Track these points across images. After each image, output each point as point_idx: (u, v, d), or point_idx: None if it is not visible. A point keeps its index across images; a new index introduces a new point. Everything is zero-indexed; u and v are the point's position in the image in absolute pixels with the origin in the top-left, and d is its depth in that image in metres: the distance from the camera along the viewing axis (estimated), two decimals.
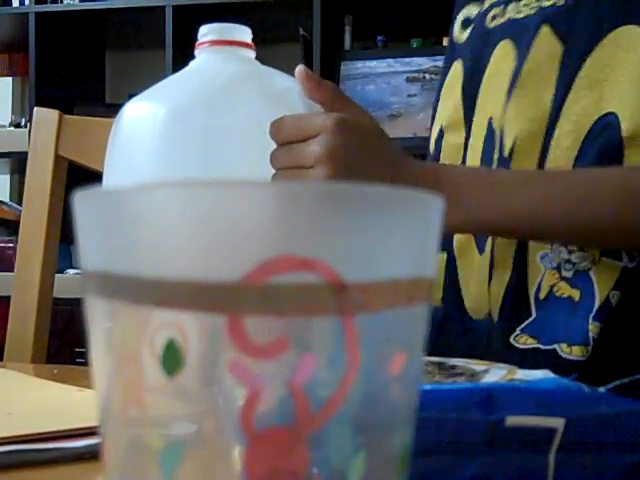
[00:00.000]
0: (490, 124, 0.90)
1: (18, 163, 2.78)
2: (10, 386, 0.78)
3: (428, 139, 1.03)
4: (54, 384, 0.76)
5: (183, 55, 2.53)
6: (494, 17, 0.94)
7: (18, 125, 2.81)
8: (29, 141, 1.19)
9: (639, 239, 0.78)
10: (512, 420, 0.42)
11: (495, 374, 0.53)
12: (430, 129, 1.03)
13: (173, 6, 2.58)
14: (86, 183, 0.31)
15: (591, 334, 0.80)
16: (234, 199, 0.27)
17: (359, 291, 0.27)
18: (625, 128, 0.79)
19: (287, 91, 0.79)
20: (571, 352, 0.81)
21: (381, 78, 2.61)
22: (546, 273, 0.84)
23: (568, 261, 0.83)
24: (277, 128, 0.74)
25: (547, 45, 0.86)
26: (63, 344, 2.49)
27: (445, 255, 0.93)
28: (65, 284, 1.83)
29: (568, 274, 0.83)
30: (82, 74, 2.93)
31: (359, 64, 2.63)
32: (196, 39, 0.85)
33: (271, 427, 0.27)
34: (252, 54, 0.84)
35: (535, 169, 0.83)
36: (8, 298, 1.13)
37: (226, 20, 0.88)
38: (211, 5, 2.61)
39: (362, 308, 0.27)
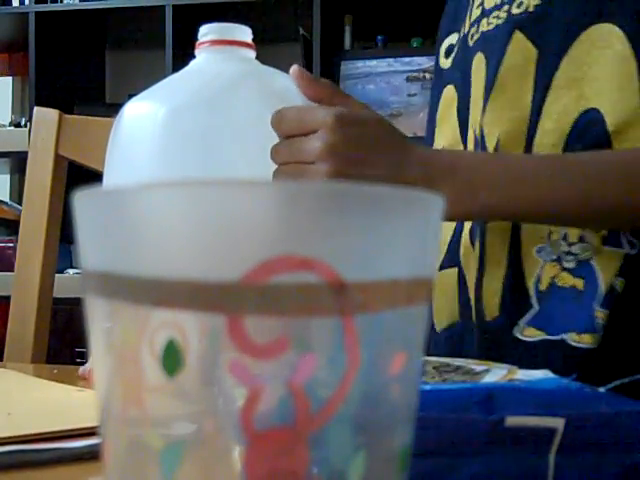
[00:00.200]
0: (474, 133, 0.92)
1: (18, 163, 2.78)
2: (10, 386, 0.78)
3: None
4: (54, 384, 0.75)
5: (183, 55, 2.53)
6: (472, 36, 0.96)
7: (18, 125, 2.81)
8: (29, 141, 1.19)
9: None
10: (512, 420, 0.42)
11: (495, 374, 0.53)
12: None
13: (173, 6, 2.58)
14: (86, 183, 0.31)
15: (600, 321, 0.81)
16: (234, 199, 0.27)
17: (359, 291, 0.27)
18: (610, 122, 0.80)
19: (287, 91, 0.79)
20: (581, 340, 0.81)
21: (381, 78, 2.61)
22: (545, 265, 0.84)
23: (569, 253, 0.83)
24: (278, 120, 0.74)
25: (521, 49, 0.87)
26: (63, 344, 2.49)
27: (456, 270, 0.93)
28: (65, 284, 1.83)
29: (570, 265, 0.83)
30: (82, 74, 2.93)
31: (359, 64, 2.63)
32: (196, 39, 0.85)
33: (271, 427, 0.27)
34: (252, 54, 0.84)
35: (547, 153, 0.83)
36: (8, 298, 1.13)
37: (226, 20, 0.87)
38: (211, 5, 2.61)
39: (362, 308, 0.27)
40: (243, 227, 0.27)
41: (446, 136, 0.99)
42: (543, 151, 0.83)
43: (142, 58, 2.99)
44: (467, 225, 0.93)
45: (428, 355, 0.61)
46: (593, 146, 0.81)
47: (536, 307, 0.84)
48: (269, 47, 2.43)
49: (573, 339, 0.82)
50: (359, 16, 2.70)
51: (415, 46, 2.67)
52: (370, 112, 0.79)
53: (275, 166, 0.75)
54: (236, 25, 0.84)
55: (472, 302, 0.90)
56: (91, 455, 0.52)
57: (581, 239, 0.83)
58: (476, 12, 0.97)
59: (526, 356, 0.82)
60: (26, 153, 1.19)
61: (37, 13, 2.69)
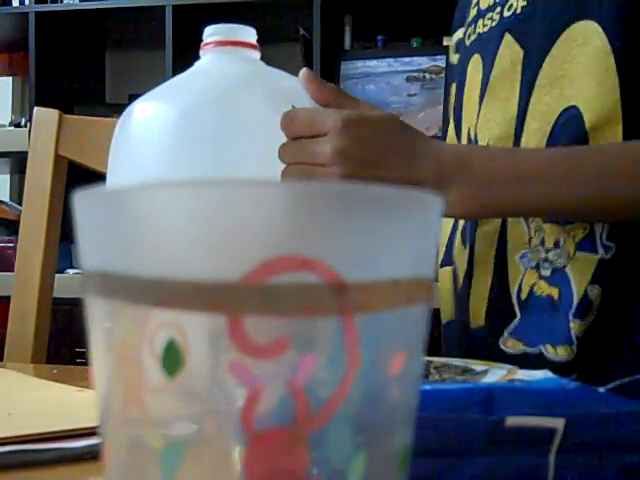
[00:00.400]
0: (469, 135, 0.92)
1: (18, 163, 2.78)
2: (10, 386, 0.78)
3: None
4: (54, 384, 0.75)
5: (183, 55, 2.53)
6: (469, 36, 0.97)
7: (18, 125, 2.81)
8: (29, 141, 1.19)
9: None
10: (512, 420, 0.42)
11: (495, 374, 0.53)
12: None
13: (173, 6, 2.58)
14: (86, 183, 0.31)
15: (574, 332, 0.80)
16: (234, 199, 0.27)
17: (359, 291, 0.27)
18: (587, 119, 0.80)
19: (294, 92, 0.79)
20: (556, 353, 0.80)
21: (381, 78, 2.61)
22: (526, 273, 0.83)
23: (546, 259, 0.83)
24: (289, 121, 0.74)
25: (510, 52, 0.88)
26: (63, 344, 2.48)
27: (450, 269, 0.93)
28: (65, 284, 1.83)
29: (546, 273, 0.82)
30: (82, 74, 2.93)
31: (359, 64, 2.63)
32: (196, 39, 0.85)
33: (271, 427, 0.27)
34: (257, 55, 0.84)
35: (557, 147, 0.82)
36: (8, 298, 1.13)
37: (226, 20, 0.88)
38: (211, 5, 2.61)
39: (362, 308, 0.27)
40: (243, 227, 0.27)
41: (450, 135, 1.00)
42: None
43: (142, 58, 2.98)
44: (460, 224, 0.93)
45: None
46: (572, 144, 0.81)
47: (518, 317, 0.84)
48: (269, 47, 2.43)
49: (549, 351, 0.81)
50: (359, 16, 2.70)
51: (415, 46, 2.67)
52: (380, 112, 0.78)
53: (283, 166, 0.75)
54: (241, 26, 0.84)
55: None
56: (91, 455, 0.52)
57: (556, 244, 0.82)
58: (473, 12, 0.97)
59: None
60: (26, 153, 1.19)
61: (37, 13, 2.69)
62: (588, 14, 0.83)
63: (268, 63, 0.85)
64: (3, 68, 3.08)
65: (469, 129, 0.92)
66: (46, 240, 1.13)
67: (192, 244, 0.27)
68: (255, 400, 0.26)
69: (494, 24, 0.91)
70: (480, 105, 0.90)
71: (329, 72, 2.57)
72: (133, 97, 0.84)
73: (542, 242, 0.82)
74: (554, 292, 0.82)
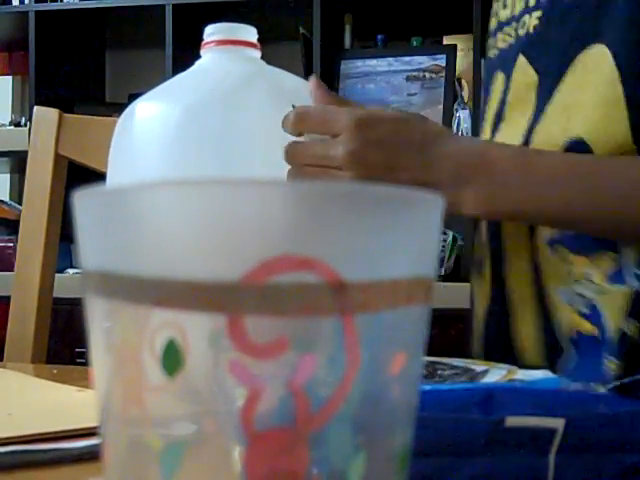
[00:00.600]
0: None
1: (18, 162, 2.78)
2: (10, 386, 0.78)
3: None
4: (54, 384, 0.75)
5: (183, 55, 2.52)
6: (491, 48, 0.94)
7: (18, 124, 2.81)
8: (29, 140, 1.19)
9: None
10: (512, 420, 0.42)
11: (495, 374, 0.53)
12: None
13: (173, 6, 2.58)
14: (86, 182, 0.31)
15: (611, 372, 0.74)
16: (234, 198, 0.27)
17: (359, 291, 0.27)
18: (595, 154, 0.76)
19: (296, 91, 0.79)
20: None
21: (381, 77, 2.61)
22: (566, 309, 0.79)
23: (579, 294, 0.78)
24: (300, 119, 0.72)
25: (523, 75, 0.84)
26: (63, 344, 2.48)
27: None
28: (65, 283, 1.83)
29: (582, 308, 0.78)
30: (82, 73, 2.93)
31: (359, 63, 2.63)
32: (196, 39, 0.85)
33: (271, 427, 0.27)
34: (258, 54, 0.84)
35: (580, 155, 0.75)
36: (8, 298, 1.13)
37: (226, 19, 0.88)
38: (211, 4, 2.61)
39: (362, 308, 0.27)
40: (243, 227, 0.27)
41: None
42: None
43: (142, 58, 2.98)
44: (487, 264, 0.88)
45: None
46: None
47: (565, 354, 0.79)
48: (270, 46, 2.43)
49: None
50: (359, 16, 2.70)
51: (415, 45, 2.67)
52: (393, 112, 0.75)
53: (287, 166, 0.73)
54: (241, 25, 0.84)
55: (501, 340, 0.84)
56: (91, 455, 0.52)
57: (586, 277, 0.77)
58: (493, 22, 0.93)
59: None
60: (26, 152, 1.19)
61: (37, 12, 2.69)
62: (600, 37, 0.77)
63: (268, 62, 0.85)
64: (3, 67, 3.08)
65: None
66: (46, 240, 1.13)
67: (192, 244, 0.27)
68: (255, 400, 0.26)
69: (512, 41, 0.87)
70: (494, 129, 0.87)
71: (329, 71, 2.57)
72: (133, 97, 0.84)
73: (573, 274, 0.78)
74: (589, 328, 0.77)
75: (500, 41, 0.90)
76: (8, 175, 3.07)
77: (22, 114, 2.89)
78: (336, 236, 0.27)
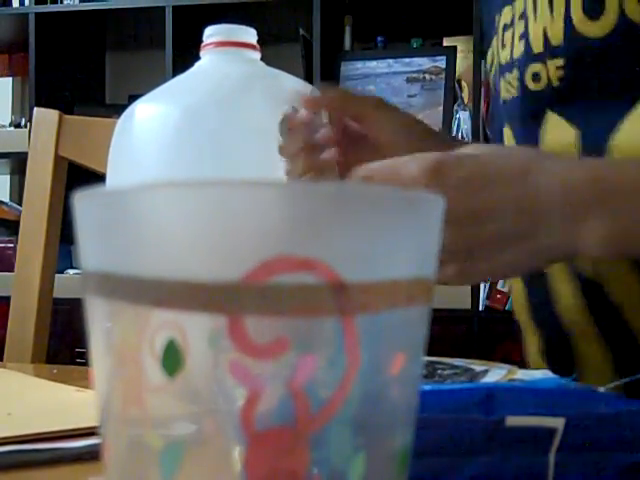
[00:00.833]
0: None
1: (18, 163, 2.78)
2: (10, 386, 0.78)
3: None
4: (54, 384, 0.75)
5: (183, 55, 2.53)
6: (495, 89, 0.83)
7: (18, 125, 2.81)
8: (29, 141, 1.19)
9: None
10: (512, 420, 0.42)
11: (495, 374, 0.53)
12: None
13: (173, 6, 2.58)
14: (86, 183, 0.31)
15: None
16: (234, 199, 0.27)
17: (359, 291, 0.27)
18: None
19: (295, 92, 0.79)
20: None
21: (381, 78, 2.61)
22: None
23: None
24: (368, 177, 0.60)
25: (560, 135, 0.73)
26: (63, 344, 2.48)
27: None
28: (65, 284, 1.83)
29: None
30: (82, 74, 2.93)
31: (359, 64, 2.63)
32: (196, 39, 0.85)
33: (271, 427, 0.27)
34: (257, 55, 0.84)
35: None
36: (8, 298, 1.13)
37: (226, 20, 0.88)
38: (211, 5, 2.61)
39: (362, 308, 0.27)
40: (243, 227, 0.27)
41: None
42: None
43: (142, 58, 2.98)
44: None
45: None
46: None
47: None
48: (269, 47, 2.43)
49: None
50: (359, 16, 2.70)
51: (415, 47, 2.67)
52: (472, 150, 0.62)
53: (284, 167, 0.72)
54: (241, 26, 0.84)
55: None
56: (91, 455, 0.52)
57: None
58: (493, 60, 0.82)
59: None
60: (26, 154, 1.19)
61: (37, 14, 2.69)
62: None
63: (268, 63, 0.85)
64: (3, 68, 3.08)
65: None
66: (46, 240, 1.13)
67: (192, 244, 0.27)
68: (255, 400, 0.26)
69: (516, 93, 0.76)
70: None
71: (329, 73, 2.57)
72: (133, 97, 0.84)
73: None
74: None
75: (503, 90, 0.79)
76: (8, 176, 3.07)
77: (22, 115, 2.89)
78: (336, 237, 0.27)
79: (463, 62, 2.58)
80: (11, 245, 2.65)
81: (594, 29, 0.69)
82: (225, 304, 0.26)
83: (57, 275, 1.17)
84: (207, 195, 0.27)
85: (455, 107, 2.48)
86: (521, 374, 0.54)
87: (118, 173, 0.82)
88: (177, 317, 0.27)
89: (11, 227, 2.73)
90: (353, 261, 0.28)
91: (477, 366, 0.57)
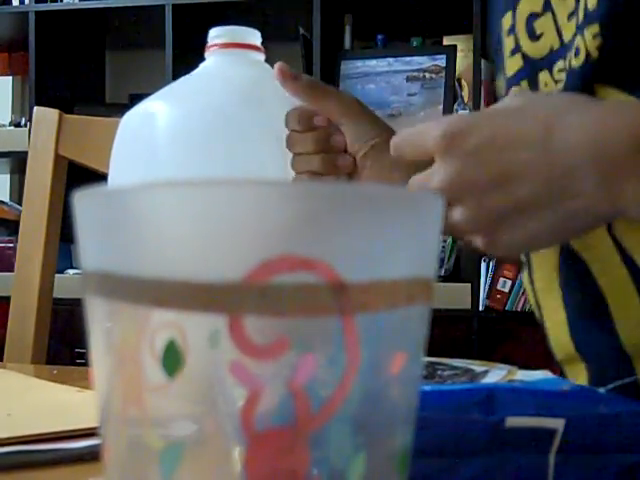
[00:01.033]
0: None
1: (18, 163, 2.78)
2: (10, 387, 0.78)
3: None
4: (54, 385, 0.75)
5: (183, 55, 2.52)
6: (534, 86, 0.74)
7: (18, 125, 2.80)
8: (29, 141, 1.19)
9: None
10: (512, 421, 0.42)
11: (495, 375, 0.53)
12: None
13: (173, 6, 2.58)
14: (86, 183, 0.31)
15: None
16: (235, 199, 0.27)
17: (359, 291, 0.27)
18: None
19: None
20: None
21: (381, 77, 2.61)
22: None
23: None
24: (396, 148, 0.59)
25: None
26: (63, 344, 2.48)
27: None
28: (65, 284, 1.83)
29: None
30: (82, 73, 2.93)
31: (359, 63, 2.63)
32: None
33: (271, 427, 0.27)
34: (261, 57, 0.85)
35: None
36: (8, 298, 1.13)
37: (226, 20, 0.88)
38: (211, 5, 2.61)
39: (362, 308, 0.27)
40: (244, 227, 0.27)
41: None
42: None
43: (142, 58, 2.98)
44: None
45: None
46: None
47: None
48: (269, 47, 2.43)
49: None
50: (359, 16, 2.70)
51: (415, 45, 2.67)
52: (482, 114, 0.59)
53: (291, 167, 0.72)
54: (246, 28, 0.84)
55: None
56: (91, 455, 0.52)
57: None
58: (514, 61, 0.73)
59: None
60: (26, 153, 1.19)
61: (37, 13, 2.69)
62: None
63: (268, 63, 0.85)
64: (3, 68, 3.08)
65: None
66: (46, 240, 1.13)
67: (192, 244, 0.27)
68: (255, 400, 0.26)
69: (564, 77, 0.69)
70: None
71: (329, 72, 2.57)
72: (133, 97, 0.84)
73: None
74: None
75: (543, 84, 0.70)
76: (8, 175, 3.07)
77: (22, 114, 2.88)
78: (336, 237, 0.27)
79: (463, 61, 2.57)
80: (11, 245, 2.65)
81: None
82: (225, 304, 0.26)
83: (57, 275, 1.17)
84: (207, 195, 0.27)
85: (455, 106, 2.48)
86: (521, 375, 0.53)
87: (121, 173, 0.82)
88: (177, 317, 0.27)
89: (11, 227, 2.73)
90: (353, 261, 0.28)
91: (477, 367, 0.57)
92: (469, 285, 2.35)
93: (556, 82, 0.68)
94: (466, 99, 2.49)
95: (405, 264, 0.29)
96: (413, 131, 0.57)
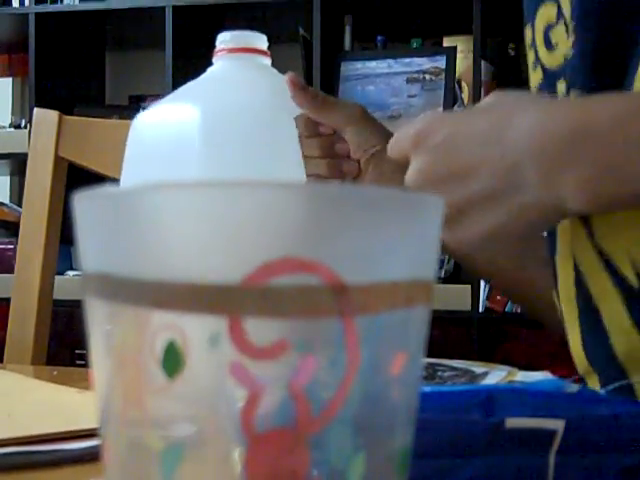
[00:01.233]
0: None
1: (18, 164, 2.78)
2: (10, 388, 0.78)
3: None
4: (54, 386, 0.75)
5: (183, 55, 2.52)
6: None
7: (18, 126, 2.81)
8: (29, 142, 1.19)
9: None
10: (512, 422, 0.42)
11: (495, 376, 0.53)
12: None
13: (173, 6, 2.58)
14: (86, 184, 0.31)
15: None
16: (235, 201, 0.27)
17: (359, 293, 0.27)
18: None
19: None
20: None
21: (381, 79, 2.61)
22: None
23: None
24: (389, 152, 0.63)
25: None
26: (63, 346, 2.48)
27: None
28: (65, 286, 1.83)
29: None
30: (82, 74, 2.93)
31: (359, 64, 2.63)
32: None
33: (271, 428, 0.27)
34: (269, 61, 0.86)
35: None
36: (8, 300, 1.13)
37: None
38: (211, 6, 2.61)
39: (362, 310, 0.27)
40: (244, 229, 0.27)
41: None
42: None
43: (142, 60, 2.98)
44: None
45: None
46: None
47: None
48: (269, 48, 2.43)
49: None
50: (359, 16, 2.70)
51: (415, 47, 2.67)
52: (452, 113, 0.63)
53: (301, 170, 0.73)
54: (253, 33, 0.86)
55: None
56: (91, 457, 0.52)
57: None
58: (536, 73, 0.73)
59: None
60: (26, 154, 1.19)
61: (37, 14, 2.69)
62: None
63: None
64: (3, 69, 3.08)
65: None
66: (46, 242, 1.13)
67: (192, 246, 0.27)
68: (255, 401, 0.26)
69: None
70: None
71: (329, 73, 2.58)
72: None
73: None
74: None
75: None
76: (8, 177, 3.07)
77: (22, 116, 2.89)
78: (336, 238, 0.27)
79: (463, 62, 2.58)
80: (11, 246, 2.65)
81: None
82: (225, 305, 0.26)
83: (57, 276, 1.17)
84: (207, 197, 0.27)
85: (455, 107, 2.48)
86: (521, 376, 0.54)
87: (139, 176, 0.82)
88: (177, 318, 0.27)
89: (11, 228, 2.73)
90: (353, 262, 0.28)
91: (477, 368, 0.57)
92: (469, 287, 2.35)
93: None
94: (466, 100, 2.49)
95: (405, 265, 0.29)
96: (398, 132, 0.62)
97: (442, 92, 2.54)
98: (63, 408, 0.67)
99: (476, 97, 2.39)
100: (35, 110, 1.20)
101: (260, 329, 0.26)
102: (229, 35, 0.85)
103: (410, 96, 2.58)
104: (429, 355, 0.36)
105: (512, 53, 2.56)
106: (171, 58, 2.56)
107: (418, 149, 0.58)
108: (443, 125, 0.58)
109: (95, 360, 0.29)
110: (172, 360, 0.27)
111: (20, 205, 1.26)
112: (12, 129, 2.81)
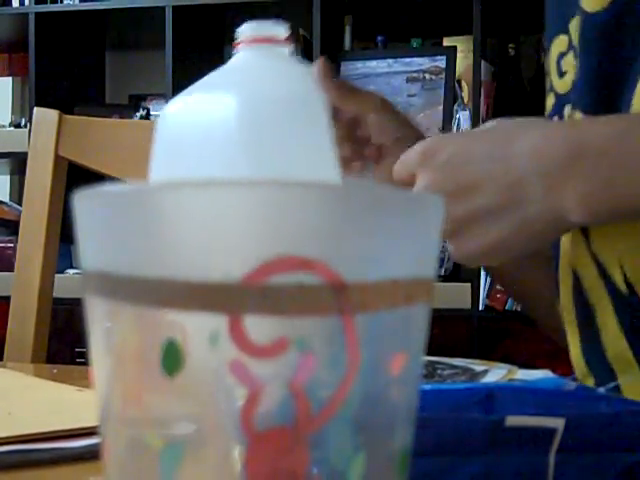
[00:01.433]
0: None
1: (18, 163, 2.77)
2: (10, 386, 0.78)
3: None
4: (54, 384, 0.75)
5: (183, 55, 2.52)
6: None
7: (18, 125, 2.80)
8: (29, 141, 1.19)
9: None
10: (512, 420, 0.42)
11: (495, 374, 0.53)
12: None
13: (173, 6, 2.58)
14: (86, 183, 0.31)
15: None
16: (234, 199, 0.27)
17: (359, 291, 0.27)
18: None
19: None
20: None
21: (381, 78, 2.61)
22: None
23: None
24: (396, 175, 0.65)
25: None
26: (63, 344, 2.48)
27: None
28: (65, 284, 1.83)
29: None
30: (82, 74, 2.93)
31: (359, 64, 2.63)
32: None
33: (271, 427, 0.27)
34: (289, 50, 0.86)
35: None
36: (8, 298, 1.13)
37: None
38: (211, 6, 2.61)
39: (362, 308, 0.27)
40: (244, 228, 0.27)
41: None
42: None
43: (142, 59, 2.98)
44: None
45: None
46: None
47: None
48: None
49: None
50: (359, 16, 2.70)
51: (415, 46, 2.67)
52: (457, 134, 0.64)
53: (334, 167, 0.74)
54: (274, 22, 0.86)
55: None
56: (91, 455, 0.52)
57: None
58: (550, 98, 0.77)
59: None
60: (26, 154, 1.19)
61: (37, 14, 2.69)
62: None
63: None
64: (3, 68, 3.08)
65: None
66: (46, 240, 1.13)
67: (192, 244, 0.27)
68: (255, 400, 0.26)
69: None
70: None
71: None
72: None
73: None
74: None
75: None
76: (8, 176, 3.07)
77: (22, 115, 2.88)
78: (336, 237, 0.27)
79: (463, 62, 2.57)
80: (11, 245, 2.65)
81: None
82: (225, 304, 0.26)
83: (57, 275, 1.17)
84: (207, 196, 0.27)
85: (455, 107, 2.48)
86: (521, 374, 0.54)
87: (166, 168, 0.81)
88: (177, 317, 0.27)
89: (11, 227, 2.73)
90: (353, 261, 0.28)
91: (477, 366, 0.57)
92: (469, 285, 2.34)
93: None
94: (466, 100, 2.49)
95: (405, 264, 0.29)
96: (404, 153, 0.64)
97: (442, 92, 2.54)
98: (63, 406, 0.67)
99: (476, 97, 2.39)
100: (35, 109, 1.20)
101: (260, 327, 0.26)
102: (249, 26, 0.85)
103: (410, 95, 2.58)
104: (429, 353, 0.36)
105: (512, 53, 2.55)
106: (171, 58, 2.56)
107: (424, 167, 0.61)
108: (448, 144, 0.61)
109: (95, 358, 0.29)
110: (172, 358, 0.27)
111: (20, 204, 1.26)
112: (12, 128, 2.80)
